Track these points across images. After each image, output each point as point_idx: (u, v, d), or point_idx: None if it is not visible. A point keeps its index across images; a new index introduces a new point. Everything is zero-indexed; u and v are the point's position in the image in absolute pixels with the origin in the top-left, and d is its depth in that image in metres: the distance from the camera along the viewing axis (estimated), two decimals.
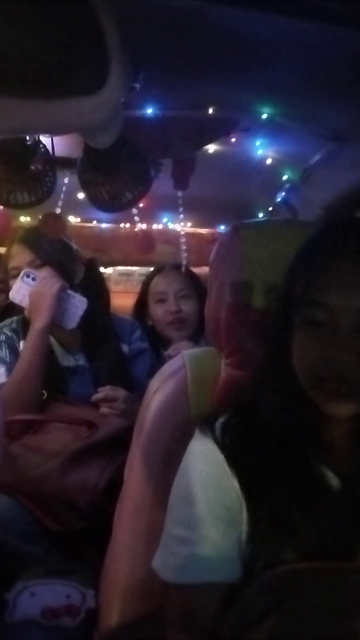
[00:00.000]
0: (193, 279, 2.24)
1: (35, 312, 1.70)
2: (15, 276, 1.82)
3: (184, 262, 2.96)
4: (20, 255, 1.83)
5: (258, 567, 0.82)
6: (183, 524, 0.88)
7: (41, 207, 2.12)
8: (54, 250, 1.84)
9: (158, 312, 2.14)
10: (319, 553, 0.80)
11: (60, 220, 1.88)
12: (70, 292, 1.77)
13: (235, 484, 0.87)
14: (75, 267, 1.88)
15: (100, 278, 2.05)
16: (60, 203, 2.06)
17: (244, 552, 0.84)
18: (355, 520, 0.82)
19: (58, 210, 2.25)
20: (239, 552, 0.85)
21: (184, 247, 3.12)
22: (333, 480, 0.87)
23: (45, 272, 1.77)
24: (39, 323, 1.68)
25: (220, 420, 0.95)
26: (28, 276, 1.76)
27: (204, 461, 0.91)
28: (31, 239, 1.85)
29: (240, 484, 0.87)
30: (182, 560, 0.86)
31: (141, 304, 2.24)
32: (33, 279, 1.75)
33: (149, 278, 2.25)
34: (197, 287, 2.21)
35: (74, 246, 1.94)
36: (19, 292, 1.76)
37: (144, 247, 2.95)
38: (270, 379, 0.92)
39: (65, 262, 1.84)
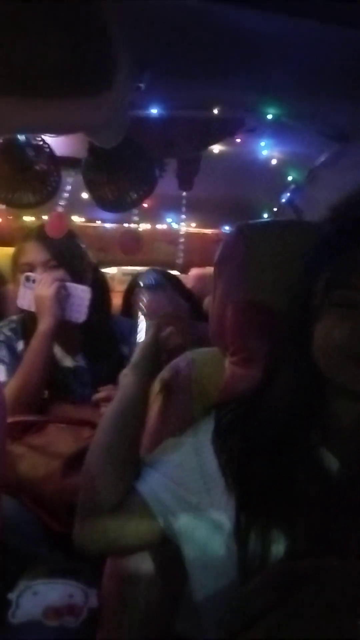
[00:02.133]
0: (174, 283, 2.19)
1: (39, 316, 1.70)
2: (25, 272, 1.80)
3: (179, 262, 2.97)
4: (34, 253, 1.81)
5: (254, 563, 0.81)
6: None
7: (46, 207, 2.13)
8: (69, 253, 1.82)
9: None
10: (315, 539, 0.80)
11: (64, 219, 1.88)
12: (70, 284, 1.74)
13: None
14: (86, 270, 1.87)
15: (104, 280, 2.04)
16: (62, 202, 2.06)
17: (232, 548, 0.84)
18: (354, 508, 0.82)
19: (60, 209, 2.26)
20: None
21: (181, 248, 3.14)
22: (334, 465, 0.87)
23: (58, 279, 1.76)
24: (42, 326, 1.68)
25: (225, 409, 0.98)
26: (28, 280, 1.74)
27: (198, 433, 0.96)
28: (47, 237, 1.82)
29: (229, 475, 0.89)
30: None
31: (126, 315, 2.16)
32: (34, 282, 1.74)
33: (131, 289, 2.19)
34: (179, 291, 2.16)
35: (85, 249, 1.93)
36: (24, 298, 1.75)
37: (129, 248, 2.96)
38: (286, 363, 0.94)
39: (77, 266, 1.83)
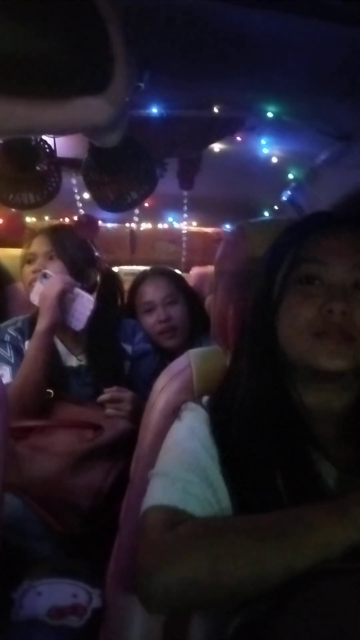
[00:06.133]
0: (177, 281, 2.19)
1: (41, 314, 1.71)
2: (28, 261, 1.86)
3: (183, 260, 2.98)
4: (38, 244, 1.86)
5: None
6: (164, 469, 0.88)
7: (46, 207, 2.13)
8: (71, 247, 1.85)
9: (148, 322, 2.07)
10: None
11: (95, 222, 1.91)
12: (77, 290, 1.75)
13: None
14: (90, 270, 1.88)
15: (113, 281, 2.04)
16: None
17: None
18: None
19: (82, 212, 2.29)
20: (213, 499, 0.83)
21: (182, 247, 3.14)
22: (332, 474, 0.86)
23: (55, 270, 1.78)
24: (41, 324, 1.69)
25: (206, 397, 0.98)
26: (45, 276, 1.75)
27: (192, 418, 0.93)
28: (52, 231, 1.89)
29: (221, 458, 0.87)
30: (156, 488, 0.86)
31: (129, 315, 2.15)
32: (46, 278, 1.75)
33: (134, 287, 2.18)
34: (183, 290, 2.17)
35: (96, 252, 1.95)
36: (37, 293, 1.76)
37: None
38: (250, 351, 0.94)
39: (78, 261, 1.85)
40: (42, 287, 1.74)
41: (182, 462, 0.86)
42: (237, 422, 0.89)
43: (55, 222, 2.67)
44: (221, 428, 0.90)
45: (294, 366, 0.90)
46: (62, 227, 1.99)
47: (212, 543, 0.74)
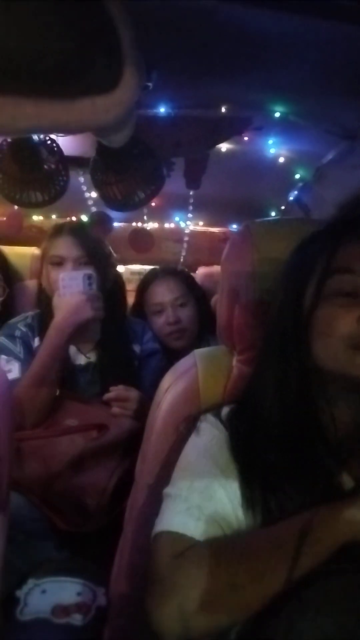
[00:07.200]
0: (188, 282, 2.17)
1: (67, 313, 1.67)
2: (55, 264, 1.79)
3: (181, 261, 2.98)
4: (68, 247, 1.79)
5: None
6: (176, 491, 0.87)
7: (54, 206, 2.14)
8: (99, 252, 1.83)
9: (157, 323, 2.07)
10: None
11: (109, 220, 1.88)
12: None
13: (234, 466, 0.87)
14: (110, 271, 1.88)
15: (121, 280, 2.04)
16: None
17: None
18: None
19: (94, 209, 2.27)
20: (224, 524, 0.83)
21: (184, 246, 3.14)
22: (329, 462, 0.86)
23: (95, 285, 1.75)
24: (67, 328, 1.65)
25: (227, 408, 0.96)
26: (89, 278, 1.71)
27: (211, 435, 0.92)
28: (84, 235, 1.82)
29: (240, 470, 0.87)
30: (167, 512, 0.86)
31: (137, 313, 2.15)
32: (90, 285, 1.70)
33: (144, 287, 2.16)
34: (193, 290, 2.15)
35: (110, 249, 1.94)
36: (70, 286, 1.69)
37: (141, 246, 2.98)
38: (276, 358, 0.92)
39: (104, 265, 1.83)
40: (77, 285, 1.69)
41: (195, 485, 0.86)
42: (261, 434, 0.88)
43: (63, 220, 2.66)
44: (242, 442, 0.89)
45: (326, 378, 0.88)
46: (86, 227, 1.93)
47: (212, 573, 0.75)
